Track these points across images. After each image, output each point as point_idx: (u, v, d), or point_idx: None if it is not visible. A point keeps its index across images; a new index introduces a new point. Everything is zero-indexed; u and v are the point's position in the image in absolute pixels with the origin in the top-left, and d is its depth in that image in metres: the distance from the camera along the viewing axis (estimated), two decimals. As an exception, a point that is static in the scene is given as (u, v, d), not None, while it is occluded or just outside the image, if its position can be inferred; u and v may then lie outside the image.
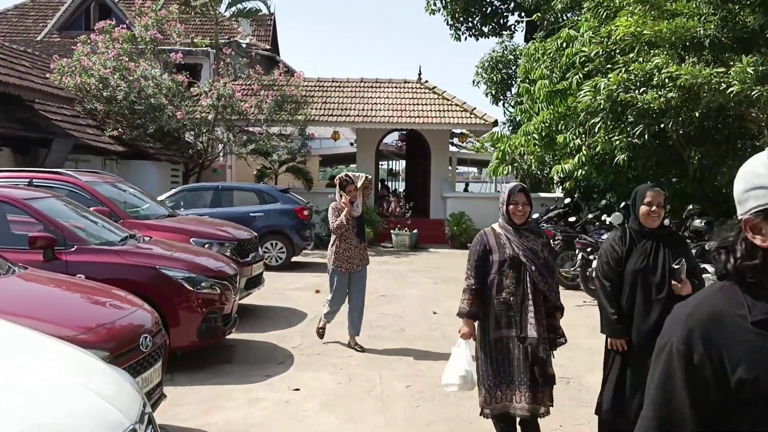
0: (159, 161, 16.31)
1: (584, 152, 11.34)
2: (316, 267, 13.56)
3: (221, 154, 18.13)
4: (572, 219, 14.51)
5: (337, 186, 7.17)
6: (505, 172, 12.53)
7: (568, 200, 15.15)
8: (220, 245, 8.21)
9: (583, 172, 11.42)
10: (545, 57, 11.60)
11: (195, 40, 23.84)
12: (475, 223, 17.74)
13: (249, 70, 17.34)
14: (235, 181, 22.37)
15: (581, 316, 9.25)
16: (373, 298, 10.19)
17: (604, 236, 11.21)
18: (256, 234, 9.24)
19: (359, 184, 7.12)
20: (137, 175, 15.95)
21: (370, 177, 7.33)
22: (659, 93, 8.82)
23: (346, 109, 18.78)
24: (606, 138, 10.66)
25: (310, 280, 11.84)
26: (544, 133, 12.18)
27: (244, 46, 24.13)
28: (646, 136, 9.47)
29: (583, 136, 11.51)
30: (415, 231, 17.21)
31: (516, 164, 13.53)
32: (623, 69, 9.50)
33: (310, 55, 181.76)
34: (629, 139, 10.16)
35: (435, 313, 9.16)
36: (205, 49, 23.02)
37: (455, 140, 22.16)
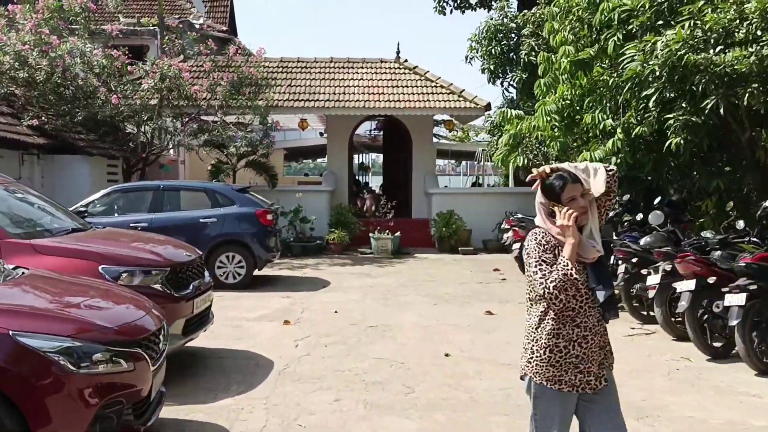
0: (91, 155, 13.54)
1: (619, 135, 9.04)
2: (283, 282, 11.03)
3: (169, 147, 15.41)
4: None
5: (539, 194, 3.16)
6: (519, 162, 10.13)
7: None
8: (144, 274, 5.64)
9: (618, 160, 9.12)
10: (570, 17, 9.25)
11: (142, 20, 21.14)
12: (466, 223, 15.38)
13: (199, 46, 14.63)
14: (189, 179, 19.68)
15: (641, 354, 6.91)
16: (360, 330, 7.76)
17: (642, 241, 8.94)
18: (200, 253, 6.66)
19: (596, 186, 3.07)
20: (64, 173, 13.26)
21: (613, 169, 3.14)
22: (749, 51, 6.50)
23: (314, 93, 16.19)
24: (652, 116, 8.38)
25: (277, 302, 9.32)
26: (565, 113, 9.86)
27: (197, 26, 21.41)
28: (722, 111, 7.15)
29: (617, 114, 9.23)
30: (397, 234, 14.77)
31: (529, 151, 11.16)
32: (689, 22, 7.17)
33: (273, 40, 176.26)
34: (686, 116, 7.86)
35: (447, 355, 6.73)
36: (151, 28, 20.30)
37: (437, 128, 19.73)
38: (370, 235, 14.73)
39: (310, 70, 17.29)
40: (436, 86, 16.57)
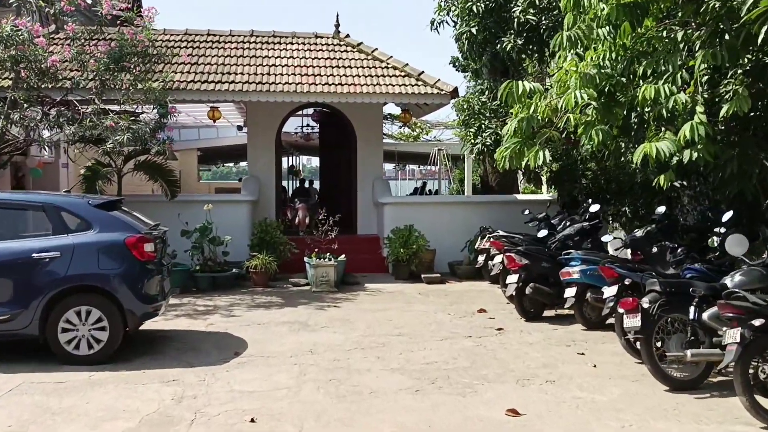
0: None
1: (700, 117, 5.74)
2: (174, 345, 7.16)
3: (28, 143, 11.26)
4: (607, 238, 8.93)
5: None
6: (539, 160, 6.65)
7: (595, 207, 9.53)
8: None
9: (697, 155, 5.82)
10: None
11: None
12: (429, 241, 11.89)
13: (61, 2, 10.55)
14: (73, 189, 15.46)
15: None
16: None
17: (730, 282, 5.73)
18: None
19: None
20: None
21: None
22: None
23: (229, 74, 12.33)
24: (733, 89, 5.15)
25: (152, 396, 5.49)
26: (605, 87, 6.50)
27: (89, 1, 17.15)
28: None
29: (701, 85, 5.93)
30: (342, 258, 11.12)
31: (556, 143, 7.78)
32: None
33: (190, 21, 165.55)
34: None
35: None
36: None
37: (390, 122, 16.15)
38: (306, 259, 11.03)
39: (224, 46, 13.43)
40: (387, 68, 13.01)
